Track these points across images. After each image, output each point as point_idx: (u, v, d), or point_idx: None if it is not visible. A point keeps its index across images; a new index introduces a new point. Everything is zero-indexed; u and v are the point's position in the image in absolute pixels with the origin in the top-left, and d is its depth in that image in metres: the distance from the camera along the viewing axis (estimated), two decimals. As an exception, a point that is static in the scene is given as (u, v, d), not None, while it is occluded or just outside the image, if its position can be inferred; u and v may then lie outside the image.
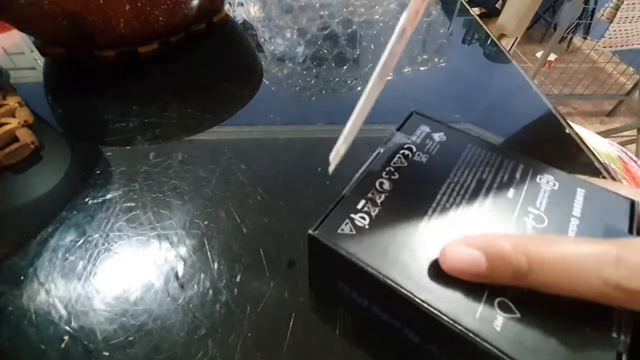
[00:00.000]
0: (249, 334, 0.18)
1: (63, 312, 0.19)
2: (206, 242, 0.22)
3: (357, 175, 0.18)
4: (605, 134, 1.38)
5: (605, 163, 0.51)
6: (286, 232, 0.22)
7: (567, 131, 0.30)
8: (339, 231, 0.16)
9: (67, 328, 0.18)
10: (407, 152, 0.19)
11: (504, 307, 0.13)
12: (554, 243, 0.13)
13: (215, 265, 0.21)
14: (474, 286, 0.14)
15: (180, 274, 0.21)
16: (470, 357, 0.13)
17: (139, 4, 0.33)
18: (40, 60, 0.39)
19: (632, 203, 0.16)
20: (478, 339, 0.12)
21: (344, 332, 0.18)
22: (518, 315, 0.13)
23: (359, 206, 0.16)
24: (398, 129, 0.20)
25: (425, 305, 0.13)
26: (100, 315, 0.19)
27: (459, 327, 0.13)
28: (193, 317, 0.19)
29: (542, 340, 0.12)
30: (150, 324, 0.19)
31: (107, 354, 0.18)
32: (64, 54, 0.37)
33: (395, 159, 0.19)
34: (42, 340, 0.18)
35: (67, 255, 0.21)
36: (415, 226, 0.16)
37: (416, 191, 0.17)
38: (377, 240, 0.15)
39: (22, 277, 0.20)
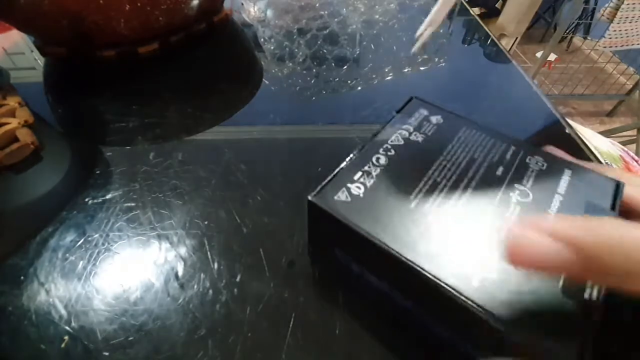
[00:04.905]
0: (249, 334, 0.18)
1: (63, 312, 0.19)
2: (206, 242, 0.22)
3: (356, 151, 0.19)
4: (605, 134, 1.38)
5: (607, 163, 0.51)
6: (286, 232, 0.22)
7: (567, 131, 0.30)
8: (335, 198, 0.17)
9: (67, 328, 0.18)
10: (404, 132, 0.20)
11: (483, 267, 0.14)
12: None
13: (215, 265, 0.21)
14: (456, 247, 0.15)
15: (180, 274, 0.21)
16: (450, 313, 0.15)
17: (139, 4, 0.33)
18: (40, 60, 0.39)
19: (618, 184, 0.17)
20: (455, 292, 0.13)
21: (344, 332, 0.18)
22: (496, 275, 0.14)
23: (356, 177, 0.18)
24: (397, 112, 0.21)
25: (410, 263, 0.14)
26: (100, 315, 0.19)
27: (440, 282, 0.14)
28: (193, 317, 0.19)
29: (516, 296, 0.13)
30: (150, 324, 0.19)
31: (107, 354, 0.18)
32: (64, 54, 0.37)
33: (392, 138, 0.20)
34: (42, 340, 0.18)
35: (67, 255, 0.21)
36: (406, 196, 0.17)
37: (410, 166, 0.18)
38: (370, 207, 0.16)
39: (22, 277, 0.20)
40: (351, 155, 0.19)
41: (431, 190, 0.17)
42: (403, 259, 0.15)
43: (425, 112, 0.21)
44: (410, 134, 0.20)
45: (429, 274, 0.14)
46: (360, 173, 0.18)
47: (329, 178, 0.18)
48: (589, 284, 0.13)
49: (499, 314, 0.13)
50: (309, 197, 0.17)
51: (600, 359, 0.12)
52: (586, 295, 0.13)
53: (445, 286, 0.14)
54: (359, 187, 0.17)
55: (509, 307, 0.13)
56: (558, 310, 0.13)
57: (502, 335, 0.13)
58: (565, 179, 0.17)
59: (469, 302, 0.13)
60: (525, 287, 0.13)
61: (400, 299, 0.17)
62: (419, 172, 0.18)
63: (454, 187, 0.17)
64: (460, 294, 0.13)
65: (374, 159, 0.18)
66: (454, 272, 0.14)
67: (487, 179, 0.17)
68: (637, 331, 0.15)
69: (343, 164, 0.18)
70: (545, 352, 0.12)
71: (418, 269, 0.14)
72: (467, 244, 0.15)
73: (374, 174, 0.18)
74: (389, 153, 0.19)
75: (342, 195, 0.17)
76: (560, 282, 0.13)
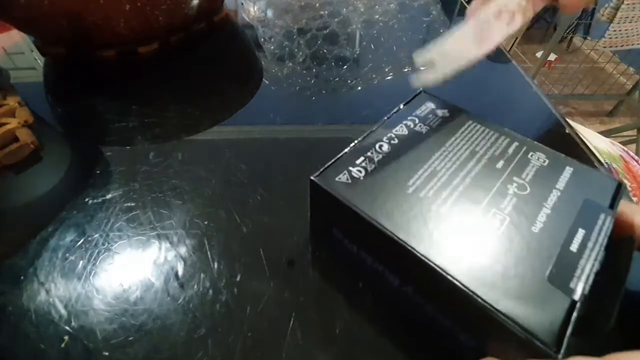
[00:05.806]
0: (249, 334, 0.18)
1: (63, 312, 0.19)
2: (206, 242, 0.22)
3: (360, 138, 0.20)
4: (605, 133, 1.38)
5: (607, 162, 0.51)
6: (286, 232, 0.22)
7: (567, 131, 0.30)
8: (336, 179, 0.18)
9: (67, 328, 0.18)
10: (409, 123, 0.21)
11: (472, 249, 0.15)
12: None
13: (215, 265, 0.21)
14: (449, 231, 0.15)
15: (180, 274, 0.21)
16: (437, 293, 0.15)
17: (139, 4, 0.33)
18: (40, 60, 0.39)
19: (619, 184, 0.17)
20: (443, 273, 0.14)
21: (344, 332, 0.18)
22: (484, 259, 0.14)
23: (358, 162, 0.18)
24: (405, 104, 0.22)
25: (402, 243, 0.15)
26: (100, 315, 0.19)
27: (429, 261, 0.14)
28: (193, 317, 0.19)
29: (501, 279, 0.14)
30: (150, 324, 0.19)
31: (107, 354, 0.18)
32: (64, 54, 0.37)
33: (397, 128, 0.20)
34: (42, 340, 0.18)
35: (67, 255, 0.21)
36: (405, 182, 0.17)
37: (411, 154, 0.19)
38: (369, 189, 0.17)
39: (22, 277, 0.20)
40: (356, 141, 0.19)
41: (430, 178, 0.17)
42: (396, 238, 0.15)
43: (432, 105, 0.22)
44: (415, 125, 0.20)
45: (419, 253, 0.14)
46: (362, 158, 0.18)
47: (332, 161, 0.18)
48: (576, 278, 0.13)
49: (484, 296, 0.13)
50: (312, 177, 0.18)
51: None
52: (572, 285, 0.13)
53: (434, 266, 0.14)
54: (360, 171, 0.18)
55: (494, 290, 0.13)
56: (544, 296, 0.13)
57: (488, 317, 0.13)
58: (565, 176, 0.18)
59: (457, 282, 0.14)
60: (512, 272, 0.14)
61: (390, 278, 0.18)
62: (419, 160, 0.18)
63: (452, 176, 0.17)
64: (448, 274, 0.14)
65: (377, 146, 0.19)
66: (444, 253, 0.14)
67: (486, 170, 0.18)
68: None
69: (347, 149, 0.19)
70: (528, 336, 0.12)
71: (409, 248, 0.15)
72: (459, 228, 0.15)
73: (375, 159, 0.18)
74: (392, 142, 0.19)
75: (343, 177, 0.18)
76: (548, 271, 0.14)
